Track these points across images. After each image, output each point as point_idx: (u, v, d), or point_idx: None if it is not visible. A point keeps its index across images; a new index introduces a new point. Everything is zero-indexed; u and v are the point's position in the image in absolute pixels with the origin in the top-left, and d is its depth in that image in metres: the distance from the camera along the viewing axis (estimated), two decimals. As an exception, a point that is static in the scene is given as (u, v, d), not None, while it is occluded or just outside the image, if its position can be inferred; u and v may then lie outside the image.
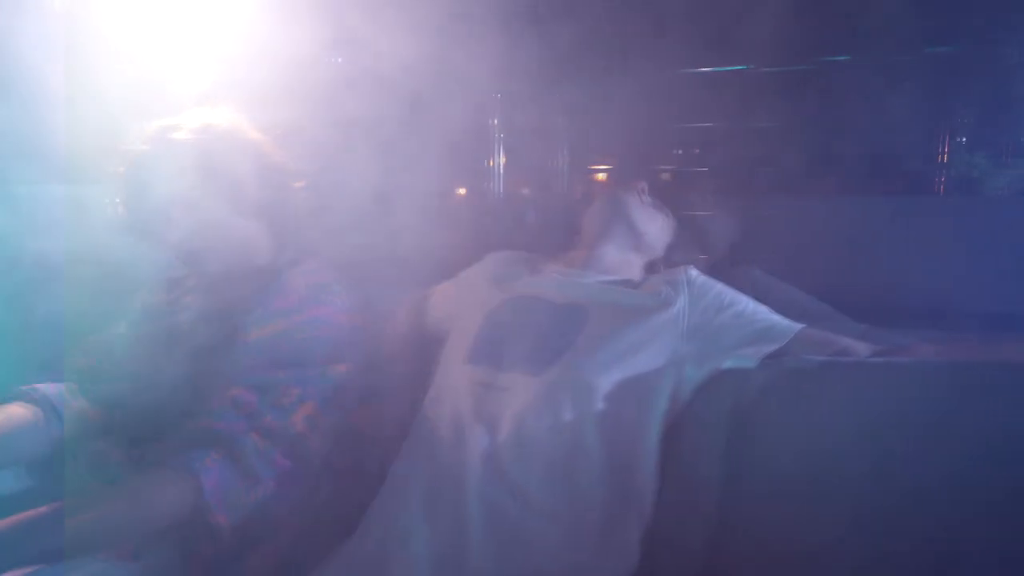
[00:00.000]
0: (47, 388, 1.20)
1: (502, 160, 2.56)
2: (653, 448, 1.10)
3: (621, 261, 1.31)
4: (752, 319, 1.15)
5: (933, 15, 1.73)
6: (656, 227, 1.34)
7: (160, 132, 1.23)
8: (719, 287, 1.19)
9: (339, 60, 2.16)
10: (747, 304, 1.18)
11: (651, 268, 1.36)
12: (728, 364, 1.13)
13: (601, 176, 2.28)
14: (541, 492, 1.04)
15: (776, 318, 1.16)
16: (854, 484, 1.01)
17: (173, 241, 1.24)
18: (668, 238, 1.37)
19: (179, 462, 1.04)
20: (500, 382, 1.13)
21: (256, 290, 1.24)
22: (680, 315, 1.14)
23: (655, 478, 1.10)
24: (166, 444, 1.10)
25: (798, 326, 1.14)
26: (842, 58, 1.92)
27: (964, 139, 1.71)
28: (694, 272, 1.22)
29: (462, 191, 2.64)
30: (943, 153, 1.78)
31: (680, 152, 2.29)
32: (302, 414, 1.14)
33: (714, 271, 1.27)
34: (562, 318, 1.18)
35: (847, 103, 1.90)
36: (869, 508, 0.99)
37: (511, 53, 2.14)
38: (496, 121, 2.54)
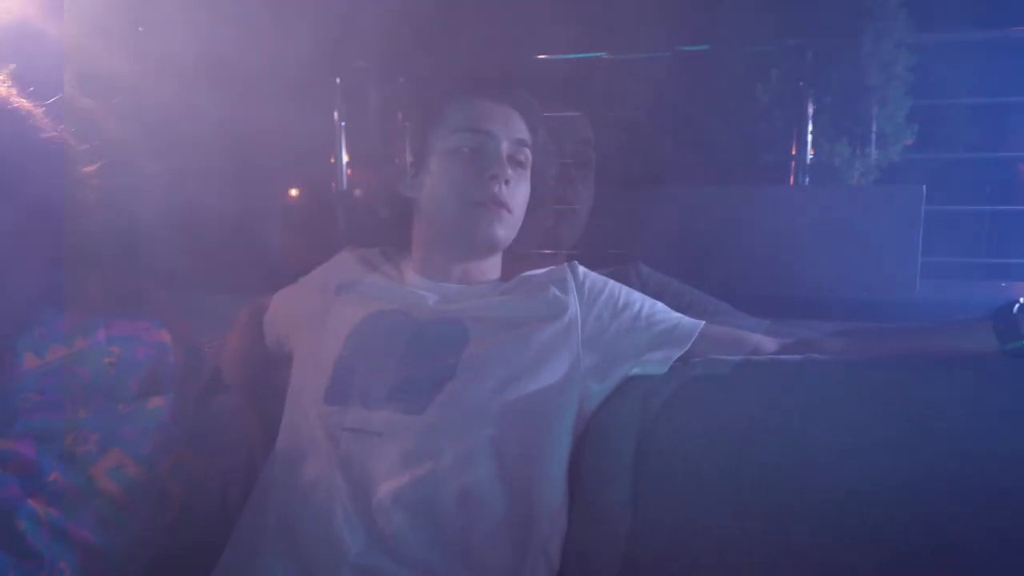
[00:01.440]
0: None
1: (345, 156, 2.30)
2: (560, 483, 0.94)
3: (479, 262, 1.09)
4: (651, 320, 1.02)
5: (790, 6, 1.73)
6: (512, 222, 1.07)
7: None
8: (610, 285, 1.04)
9: (140, 30, 1.81)
10: (643, 304, 1.04)
11: (508, 266, 1.14)
12: (635, 371, 0.99)
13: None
14: (431, 554, 0.85)
15: (676, 316, 1.04)
16: (780, 495, 0.90)
17: None
18: (524, 230, 1.17)
19: None
20: (369, 425, 0.92)
21: (29, 304, 0.94)
22: (574, 323, 0.98)
23: (564, 517, 0.94)
24: None
25: (701, 323, 1.03)
26: (701, 47, 1.89)
27: (819, 129, 1.73)
28: (580, 269, 1.06)
29: (295, 186, 2.35)
30: (799, 143, 1.79)
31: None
32: (106, 466, 0.87)
33: (596, 267, 1.12)
34: (436, 339, 0.98)
35: (706, 92, 1.87)
36: (799, 520, 0.89)
37: (351, 26, 1.90)
38: (336, 112, 2.27)
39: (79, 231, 1.04)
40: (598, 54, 1.98)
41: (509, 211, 1.02)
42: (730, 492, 0.93)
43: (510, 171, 1.02)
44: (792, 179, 1.85)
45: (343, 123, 2.30)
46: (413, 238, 1.11)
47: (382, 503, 0.86)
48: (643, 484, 0.95)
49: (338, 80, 2.25)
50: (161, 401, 0.94)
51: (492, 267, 1.10)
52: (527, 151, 1.06)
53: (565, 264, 1.07)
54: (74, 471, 0.84)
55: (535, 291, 1.03)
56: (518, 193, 1.04)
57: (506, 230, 1.03)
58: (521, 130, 1.05)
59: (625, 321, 1.00)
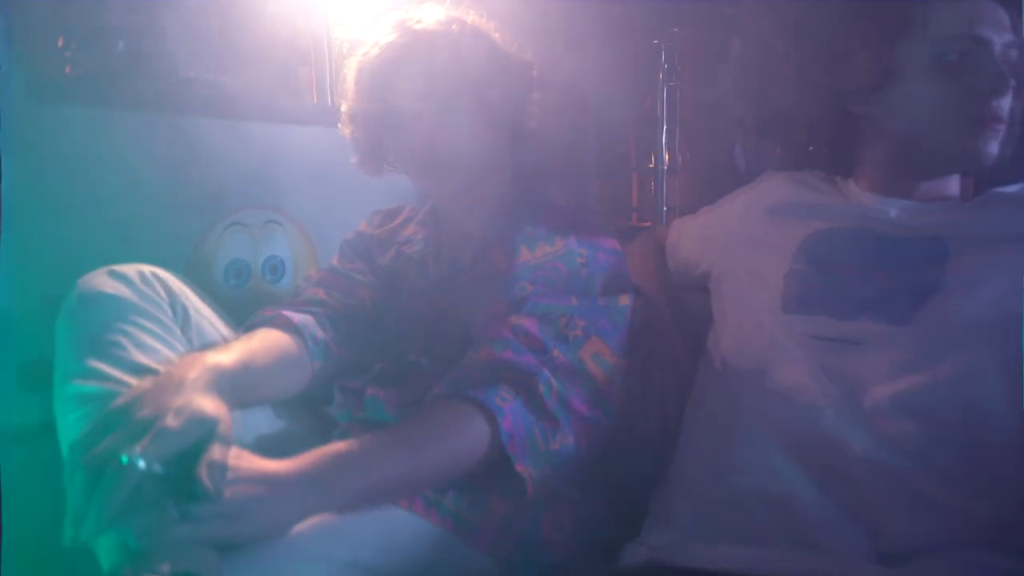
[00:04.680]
0: (298, 317, 1.03)
1: (665, 119, 2.31)
2: None
3: (951, 179, 1.04)
4: None
5: None
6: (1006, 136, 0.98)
7: (402, 23, 1.05)
8: None
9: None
10: None
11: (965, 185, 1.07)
12: None
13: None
14: (941, 458, 0.83)
15: None
16: None
17: (415, 153, 1.06)
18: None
19: (472, 395, 0.87)
20: (844, 334, 0.91)
21: (514, 208, 1.08)
22: None
23: None
24: (443, 378, 0.92)
25: None
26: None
27: None
28: None
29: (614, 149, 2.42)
30: None
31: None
32: (590, 351, 0.96)
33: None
34: (910, 253, 0.95)
35: None
36: None
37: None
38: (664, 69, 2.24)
39: (530, 148, 1.17)
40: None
41: (1007, 125, 0.97)
42: None
43: (1012, 81, 0.95)
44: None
45: (667, 85, 2.29)
46: (861, 156, 1.09)
47: (878, 407, 0.85)
48: None
49: (657, 42, 2.24)
50: (628, 300, 1.02)
51: (956, 182, 1.05)
52: (1014, 52, 0.97)
53: None
54: (568, 351, 0.94)
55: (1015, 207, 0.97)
56: (1012, 103, 0.97)
57: (1002, 147, 0.97)
58: (1009, 28, 0.97)
59: None
